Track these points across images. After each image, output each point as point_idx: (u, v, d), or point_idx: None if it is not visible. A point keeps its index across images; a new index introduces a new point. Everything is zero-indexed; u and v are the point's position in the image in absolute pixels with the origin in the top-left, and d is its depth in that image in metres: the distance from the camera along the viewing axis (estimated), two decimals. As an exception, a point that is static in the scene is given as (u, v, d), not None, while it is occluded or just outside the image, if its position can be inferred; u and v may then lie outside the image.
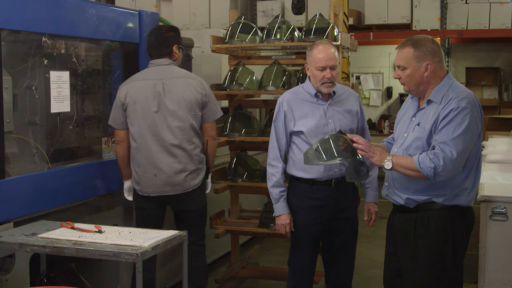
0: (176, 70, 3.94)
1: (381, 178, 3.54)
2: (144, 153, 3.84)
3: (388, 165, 2.98)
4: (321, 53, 3.48)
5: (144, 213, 3.97)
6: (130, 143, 3.90)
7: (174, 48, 3.93)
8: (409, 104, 3.18)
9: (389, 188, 3.13)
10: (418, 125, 3.00)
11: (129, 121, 3.86)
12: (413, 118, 3.06)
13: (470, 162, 2.97)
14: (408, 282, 3.08)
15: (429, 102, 2.99)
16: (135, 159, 3.89)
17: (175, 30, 4.00)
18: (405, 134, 3.07)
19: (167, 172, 3.84)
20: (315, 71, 3.50)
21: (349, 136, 3.16)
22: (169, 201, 3.96)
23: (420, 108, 3.05)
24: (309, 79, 3.63)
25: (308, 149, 3.27)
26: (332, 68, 3.48)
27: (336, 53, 3.53)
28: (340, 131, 3.28)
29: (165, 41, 3.92)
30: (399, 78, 3.05)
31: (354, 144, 3.06)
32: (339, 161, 3.19)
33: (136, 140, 3.86)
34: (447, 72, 3.04)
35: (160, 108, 3.82)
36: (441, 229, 2.96)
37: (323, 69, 3.47)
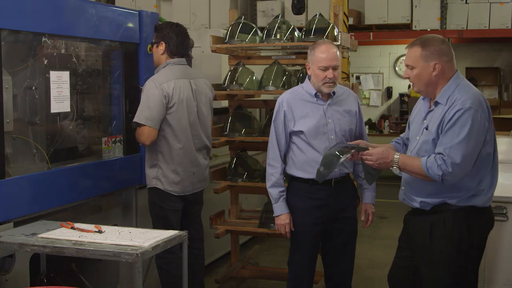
0: (195, 71, 4.11)
1: (383, 178, 3.54)
2: (188, 152, 3.91)
3: (396, 170, 3.00)
4: (323, 53, 3.48)
5: (178, 214, 3.98)
6: (163, 142, 3.84)
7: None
8: (421, 105, 3.16)
9: (405, 192, 3.13)
10: (427, 128, 2.99)
11: (173, 120, 3.82)
12: (424, 121, 3.05)
13: (484, 163, 2.95)
14: (426, 285, 3.06)
15: (436, 104, 2.98)
16: (177, 159, 3.87)
17: None
18: (417, 137, 3.06)
19: (202, 168, 4.02)
20: (317, 71, 3.50)
21: (351, 143, 3.20)
22: (190, 199, 4.01)
23: (429, 110, 3.03)
24: (309, 78, 3.64)
25: (318, 168, 3.29)
26: (334, 68, 3.49)
27: (338, 53, 3.54)
28: (338, 143, 3.33)
29: (189, 41, 4.01)
30: (408, 78, 3.04)
31: (363, 157, 3.05)
32: (353, 151, 3.18)
33: (181, 139, 3.86)
34: (456, 70, 3.01)
35: (198, 107, 3.96)
36: (457, 230, 2.94)
37: (326, 69, 3.47)
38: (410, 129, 3.23)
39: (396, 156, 2.97)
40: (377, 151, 3.00)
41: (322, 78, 3.49)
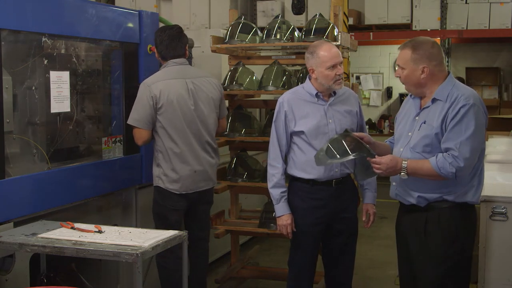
0: (195, 69, 4.09)
1: (383, 178, 3.53)
2: (187, 151, 3.90)
3: (404, 176, 3.00)
4: (328, 52, 3.50)
5: (179, 214, 3.99)
6: (160, 142, 3.87)
7: (186, 47, 4.03)
8: (410, 104, 3.20)
9: (398, 187, 3.15)
10: (425, 123, 3.03)
11: (165, 120, 3.83)
12: (417, 118, 3.09)
13: (478, 159, 3.01)
14: (422, 282, 3.09)
15: (434, 100, 3.03)
16: (175, 158, 3.87)
17: (182, 30, 4.07)
18: (410, 133, 3.09)
19: (205, 167, 4.00)
20: (326, 71, 3.50)
21: (356, 134, 3.19)
22: (194, 197, 4.00)
23: (424, 107, 3.07)
24: (309, 78, 3.64)
25: (318, 151, 3.30)
26: (340, 64, 3.52)
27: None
28: (346, 130, 3.31)
29: (180, 41, 3.98)
30: (399, 77, 3.12)
31: (374, 166, 3.05)
32: (353, 157, 3.18)
33: (176, 139, 3.86)
34: (449, 72, 3.09)
35: (196, 106, 3.94)
36: (452, 226, 3.00)
37: (334, 67, 3.49)
38: (398, 127, 3.26)
39: (404, 163, 2.99)
40: (385, 160, 3.01)
41: (333, 76, 3.49)
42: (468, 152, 2.88)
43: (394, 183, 3.18)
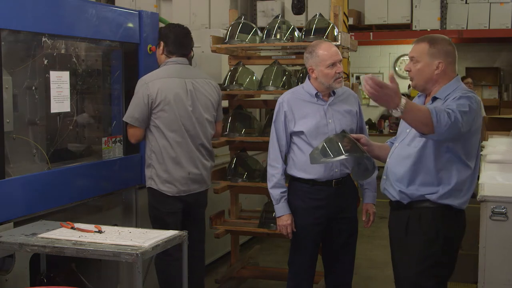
0: (196, 70, 4.07)
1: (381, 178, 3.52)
2: (183, 152, 3.86)
3: (396, 112, 2.72)
4: (327, 51, 3.51)
5: (175, 216, 3.94)
6: (155, 142, 3.84)
7: (192, 49, 4.04)
8: (414, 101, 3.18)
9: (386, 181, 3.15)
10: None
11: (161, 120, 3.80)
12: None
13: (472, 162, 2.98)
14: (403, 279, 3.10)
15: (434, 99, 3.00)
16: (168, 159, 3.83)
17: (190, 32, 4.08)
18: (408, 130, 3.08)
19: (200, 170, 3.95)
20: (326, 70, 3.50)
21: (353, 136, 3.19)
22: (189, 200, 3.97)
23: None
24: (309, 78, 3.64)
25: (313, 150, 3.29)
26: (340, 62, 3.52)
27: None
28: (343, 131, 3.31)
29: (188, 41, 4.00)
30: (409, 71, 3.05)
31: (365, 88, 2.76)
32: (346, 157, 3.18)
33: (170, 139, 3.82)
34: (457, 75, 3.06)
35: (194, 107, 3.90)
36: (433, 227, 2.98)
37: (334, 65, 3.49)
38: (400, 126, 3.25)
39: (404, 99, 2.74)
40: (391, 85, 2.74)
41: (333, 75, 3.50)
42: (461, 119, 2.75)
43: (384, 177, 3.17)
